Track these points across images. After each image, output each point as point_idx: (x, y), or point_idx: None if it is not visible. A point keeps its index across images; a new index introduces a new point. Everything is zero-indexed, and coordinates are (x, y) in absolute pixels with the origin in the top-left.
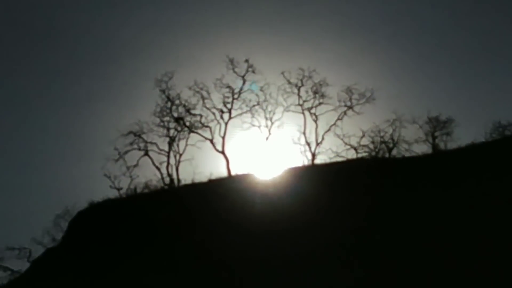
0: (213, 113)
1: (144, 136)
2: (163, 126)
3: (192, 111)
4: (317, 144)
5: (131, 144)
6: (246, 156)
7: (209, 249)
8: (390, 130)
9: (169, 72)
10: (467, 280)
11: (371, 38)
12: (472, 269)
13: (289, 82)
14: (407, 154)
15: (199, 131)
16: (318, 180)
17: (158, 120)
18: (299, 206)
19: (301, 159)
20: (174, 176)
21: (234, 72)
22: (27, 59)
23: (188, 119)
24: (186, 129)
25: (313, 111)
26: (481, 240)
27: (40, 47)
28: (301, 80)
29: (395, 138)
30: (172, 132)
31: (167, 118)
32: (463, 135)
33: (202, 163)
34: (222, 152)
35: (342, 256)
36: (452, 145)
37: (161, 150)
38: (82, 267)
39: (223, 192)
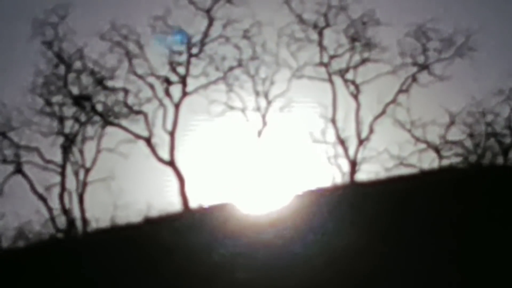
0: (151, 86)
1: (12, 134)
2: (52, 114)
3: (109, 83)
4: (361, 141)
5: None
6: (219, 170)
7: None
8: (506, 111)
9: (60, 6)
10: None
11: None
12: None
13: (302, 21)
14: None
15: (123, 122)
16: (364, 213)
17: (41, 101)
18: (327, 265)
19: (329, 173)
20: (76, 213)
21: (191, 2)
22: None
23: (100, 99)
24: (97, 118)
25: (350, 76)
26: None
27: None
28: (325, 15)
29: None
30: (69, 125)
31: (58, 98)
32: None
33: (132, 186)
34: (171, 163)
35: None
36: None
37: (48, 161)
38: None
39: (175, 243)
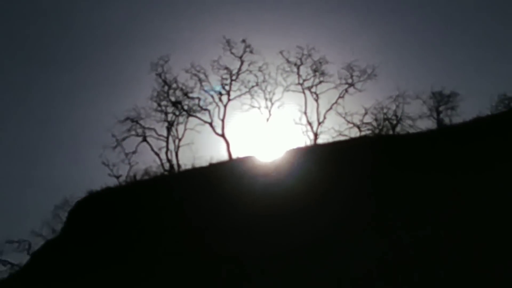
0: (212, 96)
1: (141, 121)
2: (161, 111)
3: (190, 95)
4: (319, 123)
5: (129, 130)
6: (247, 138)
7: (211, 234)
8: (393, 107)
9: (164, 56)
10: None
11: (370, 13)
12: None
13: (288, 61)
14: (411, 131)
15: (198, 114)
16: (321, 160)
17: (155, 105)
18: (302, 188)
19: (303, 140)
20: (174, 161)
21: (231, 53)
22: (17, 49)
23: (186, 103)
24: (184, 113)
25: (313, 90)
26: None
27: (30, 35)
28: (300, 59)
29: (399, 115)
30: (170, 116)
31: (164, 103)
32: (468, 109)
33: (202, 147)
34: (222, 135)
35: (346, 234)
36: (457, 120)
37: (159, 135)
38: (82, 258)
39: (224, 176)
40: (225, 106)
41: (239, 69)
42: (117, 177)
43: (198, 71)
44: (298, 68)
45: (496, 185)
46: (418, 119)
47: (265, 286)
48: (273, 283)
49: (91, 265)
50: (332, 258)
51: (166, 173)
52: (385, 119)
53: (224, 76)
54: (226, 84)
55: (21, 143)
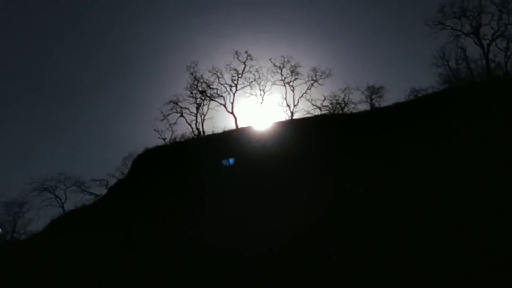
0: (225, 87)
1: (180, 103)
2: (192, 97)
3: (211, 86)
4: (294, 106)
5: (171, 109)
6: (248, 115)
7: (225, 177)
8: (342, 95)
9: (195, 61)
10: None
11: (327, 33)
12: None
13: (275, 65)
14: (354, 111)
15: (216, 99)
16: (295, 129)
17: (188, 93)
18: (283, 147)
19: (284, 116)
20: (200, 129)
21: (238, 59)
22: (107, 55)
23: (208, 92)
24: (207, 98)
25: (291, 84)
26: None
27: (111, 44)
28: (283, 64)
29: (346, 100)
30: (198, 100)
31: (194, 91)
32: (391, 97)
33: (219, 120)
34: (232, 113)
35: (314, 178)
36: (383, 104)
37: (191, 112)
38: (143, 192)
39: (233, 139)
40: (234, 94)
41: (243, 70)
42: (164, 139)
43: (217, 71)
44: (281, 70)
45: (408, 144)
46: (358, 104)
47: (250, 201)
48: (255, 198)
49: (148, 197)
50: (293, 195)
51: (195, 137)
52: (337, 103)
53: (233, 75)
54: (235, 80)
55: (103, 117)
